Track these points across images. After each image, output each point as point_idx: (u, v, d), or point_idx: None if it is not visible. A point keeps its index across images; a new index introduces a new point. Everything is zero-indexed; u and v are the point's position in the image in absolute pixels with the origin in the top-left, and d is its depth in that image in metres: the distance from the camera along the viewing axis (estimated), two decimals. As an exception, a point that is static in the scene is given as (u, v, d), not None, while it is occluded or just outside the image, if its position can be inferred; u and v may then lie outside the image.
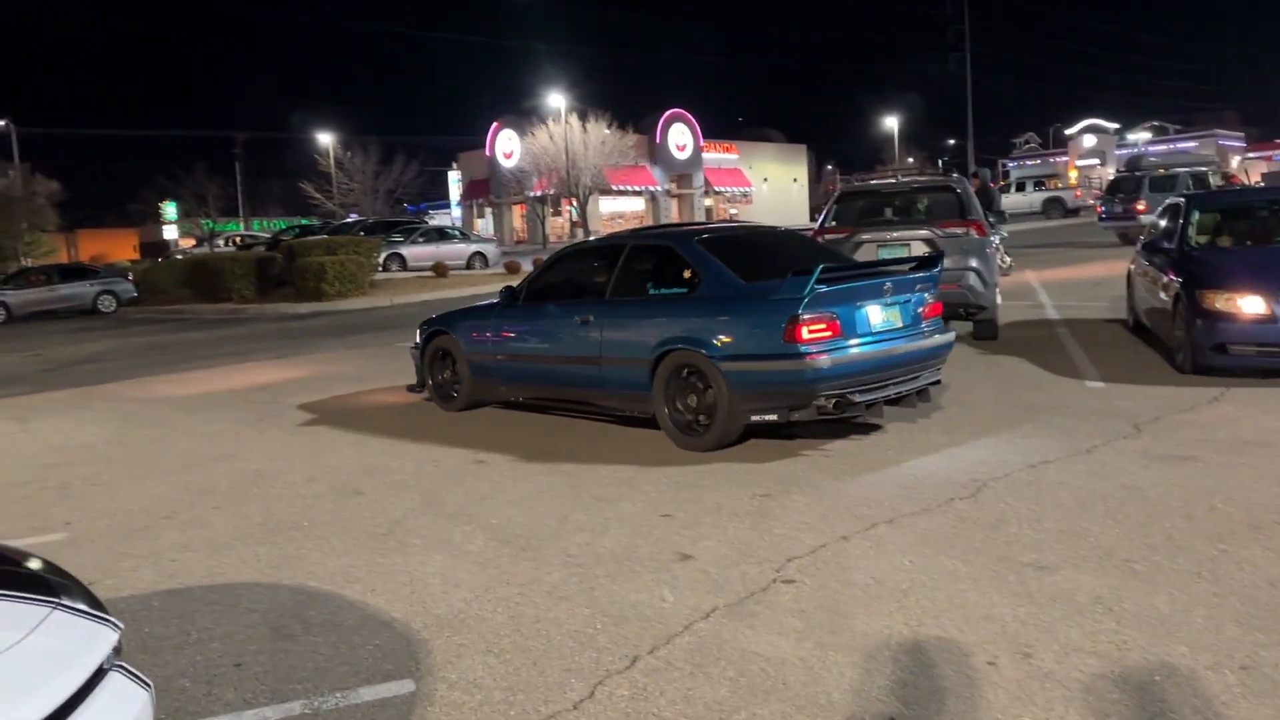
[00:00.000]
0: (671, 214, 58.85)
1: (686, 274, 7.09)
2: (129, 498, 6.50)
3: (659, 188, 58.42)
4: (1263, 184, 33.56)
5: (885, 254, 10.46)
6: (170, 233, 66.96)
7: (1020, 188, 48.53)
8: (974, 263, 10.18)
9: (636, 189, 57.22)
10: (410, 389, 9.54)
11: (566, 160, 47.04)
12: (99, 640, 2.28)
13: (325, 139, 59.22)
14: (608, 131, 49.44)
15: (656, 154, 57.91)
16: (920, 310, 6.92)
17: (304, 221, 53.52)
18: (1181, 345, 8.20)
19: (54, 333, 23.54)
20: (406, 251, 31.20)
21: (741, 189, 62.90)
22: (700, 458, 6.51)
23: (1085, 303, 13.52)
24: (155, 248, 63.57)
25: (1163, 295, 8.76)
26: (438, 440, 7.59)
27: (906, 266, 7.15)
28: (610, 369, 7.28)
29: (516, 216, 59.58)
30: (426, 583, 4.57)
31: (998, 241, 13.50)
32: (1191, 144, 57.08)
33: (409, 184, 58.69)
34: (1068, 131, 68.61)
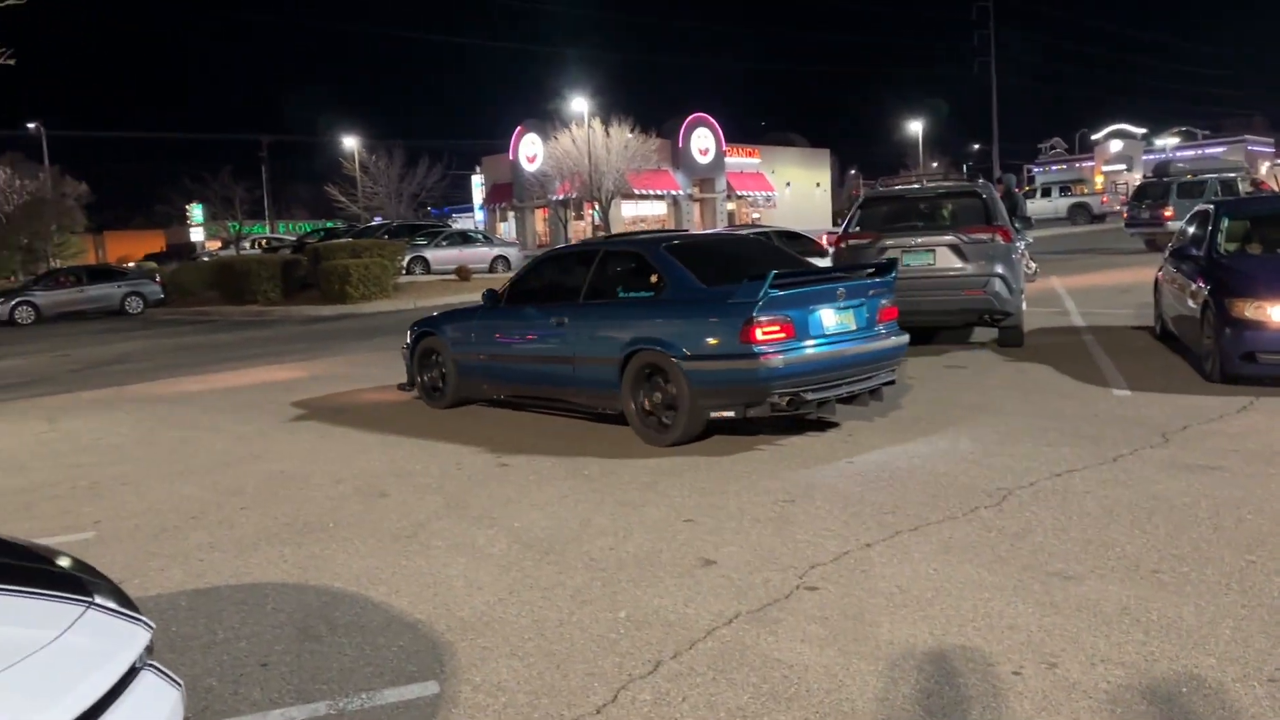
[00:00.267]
0: (694, 218, 58.84)
1: (653, 279, 7.45)
2: (157, 498, 6.57)
3: (681, 192, 58.40)
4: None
5: (909, 260, 10.44)
6: (197, 235, 67.64)
7: (1046, 193, 48.18)
8: (999, 269, 10.14)
9: (659, 193, 57.22)
10: (400, 387, 9.88)
11: (589, 164, 47.10)
12: (132, 639, 2.31)
13: (350, 142, 59.63)
14: (630, 136, 49.47)
15: (679, 158, 57.91)
16: (875, 314, 7.27)
17: (329, 224, 53.94)
18: (1210, 353, 8.12)
19: (82, 333, 23.82)
20: (430, 255, 31.36)
21: (764, 193, 62.77)
22: (722, 463, 6.51)
23: (1112, 310, 13.41)
24: (182, 250, 64.17)
25: (1191, 303, 8.68)
26: (463, 443, 7.63)
27: (864, 272, 7.56)
28: (583, 368, 7.69)
29: (539, 220, 59.74)
30: (450, 585, 4.59)
31: (1023, 247, 13.43)
32: (1220, 149, 56.49)
33: (433, 187, 58.98)
34: (1094, 136, 68.03)
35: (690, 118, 58.84)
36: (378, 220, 46.89)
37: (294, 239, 42.71)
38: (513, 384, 8.51)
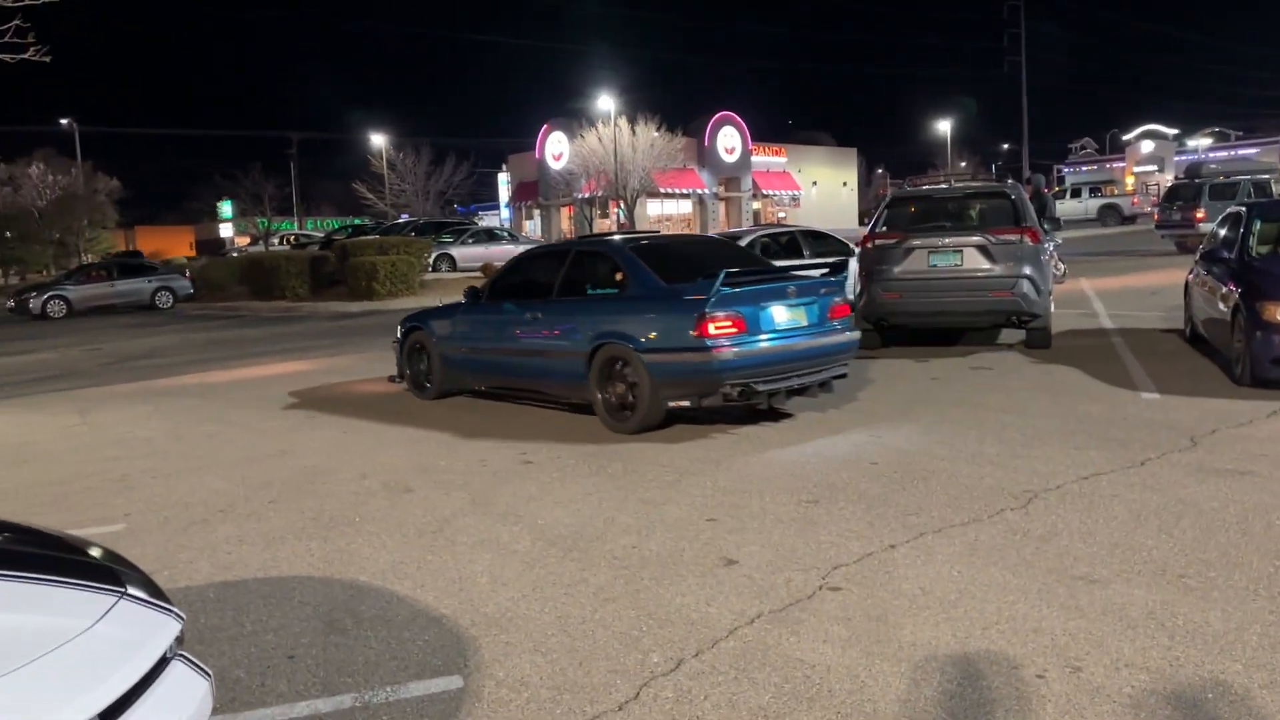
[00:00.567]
0: (719, 217, 58.75)
1: (618, 276, 7.94)
2: (186, 491, 6.66)
3: (707, 191, 58.32)
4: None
5: (937, 260, 10.39)
6: (226, 231, 68.30)
7: (1075, 194, 47.70)
8: (1028, 270, 10.08)
9: (684, 192, 57.17)
10: (391, 379, 10.50)
11: (615, 163, 47.16)
12: (163, 629, 2.35)
13: (378, 140, 60.01)
14: (656, 134, 49.46)
15: (705, 157, 57.83)
16: (826, 311, 7.72)
17: (357, 221, 54.29)
18: (1240, 357, 8.03)
19: (112, 327, 24.12)
20: (456, 252, 31.51)
21: (790, 192, 62.58)
22: (745, 463, 6.51)
23: (1141, 312, 13.28)
24: (211, 245, 64.85)
25: (1221, 306, 8.58)
26: (487, 439, 7.67)
27: (818, 272, 8.09)
28: (555, 360, 8.19)
29: (564, 218, 59.84)
30: (475, 580, 4.63)
31: (1052, 249, 13.33)
32: (1253, 151, 55.67)
33: (459, 185, 59.26)
34: (1125, 137, 67.28)
35: (716, 116, 58.74)
36: (405, 217, 47.20)
37: (322, 236, 43.05)
38: (493, 376, 9.08)
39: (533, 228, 59.65)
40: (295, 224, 64.27)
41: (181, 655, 2.43)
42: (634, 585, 4.45)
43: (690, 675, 3.54)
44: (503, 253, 32.39)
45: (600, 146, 48.93)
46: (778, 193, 62.28)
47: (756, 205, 61.05)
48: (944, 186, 11.89)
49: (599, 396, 7.79)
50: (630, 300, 7.69)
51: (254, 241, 57.06)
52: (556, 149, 57.01)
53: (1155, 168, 60.83)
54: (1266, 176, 25.26)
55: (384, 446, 7.71)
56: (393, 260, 24.89)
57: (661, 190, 53.03)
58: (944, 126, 69.14)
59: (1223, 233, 9.90)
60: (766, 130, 63.82)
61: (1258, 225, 9.02)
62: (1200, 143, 63.31)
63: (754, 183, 60.56)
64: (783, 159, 63.24)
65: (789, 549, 4.80)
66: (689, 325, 7.08)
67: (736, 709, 3.29)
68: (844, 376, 8.08)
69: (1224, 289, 8.55)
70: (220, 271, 32.54)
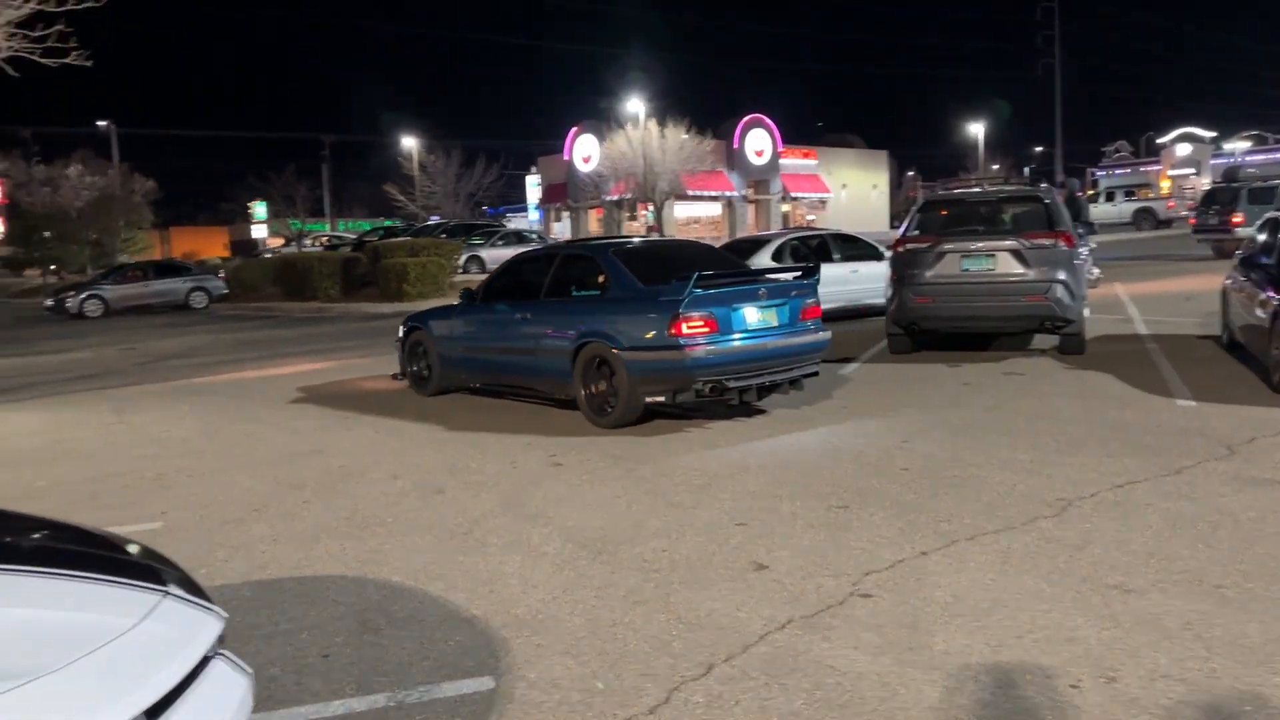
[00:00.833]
0: (748, 220, 58.63)
1: (601, 279, 8.38)
2: (222, 490, 6.74)
3: (736, 193, 58.22)
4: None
5: (969, 265, 10.32)
6: (259, 232, 69.00)
7: (1110, 198, 47.18)
8: (1061, 275, 9.99)
9: (713, 194, 57.10)
10: (393, 377, 10.91)
11: (644, 165, 47.17)
12: (205, 628, 2.39)
13: (409, 142, 60.41)
14: (686, 136, 49.42)
15: (734, 159, 57.74)
16: (798, 312, 8.10)
17: (388, 223, 54.71)
18: (1278, 364, 7.91)
19: (148, 327, 24.45)
20: (485, 254, 31.67)
21: (820, 195, 62.35)
22: (775, 469, 6.50)
23: (1177, 318, 13.11)
24: (245, 246, 65.54)
25: (1260, 312, 8.46)
26: (516, 442, 7.71)
27: (790, 275, 8.46)
28: (543, 359, 8.59)
29: (593, 221, 59.95)
30: (505, 582, 4.66)
31: (1086, 253, 13.21)
32: (1293, 154, 54.78)
33: (489, 187, 59.47)
34: (1161, 140, 66.38)
35: (746, 119, 58.63)
36: (435, 219, 47.48)
37: (354, 237, 43.40)
38: (486, 373, 9.55)
39: (561, 230, 59.81)
40: (327, 225, 64.88)
41: (222, 654, 2.46)
42: (664, 589, 4.46)
43: (721, 680, 3.55)
44: (532, 255, 32.58)
45: (629, 148, 48.95)
46: (807, 195, 62.04)
47: (786, 208, 60.85)
48: (977, 190, 11.81)
49: (582, 393, 8.18)
50: (611, 302, 8.15)
51: (287, 243, 57.62)
52: (586, 151, 57.12)
53: (1192, 171, 60.02)
54: (1306, 180, 24.84)
55: (414, 447, 7.77)
56: (423, 262, 25.06)
57: (690, 193, 52.98)
58: (976, 129, 68.58)
59: (1261, 238, 9.76)
60: (796, 132, 63.64)
61: (1298, 230, 8.88)
62: (1238, 146, 62.33)
63: (783, 185, 60.36)
64: (813, 161, 63.00)
65: (820, 555, 4.79)
66: (664, 325, 7.49)
67: (767, 715, 3.29)
68: (815, 375, 8.39)
69: (1263, 295, 8.43)
70: (254, 272, 32.90)
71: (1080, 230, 12.71)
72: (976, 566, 4.52)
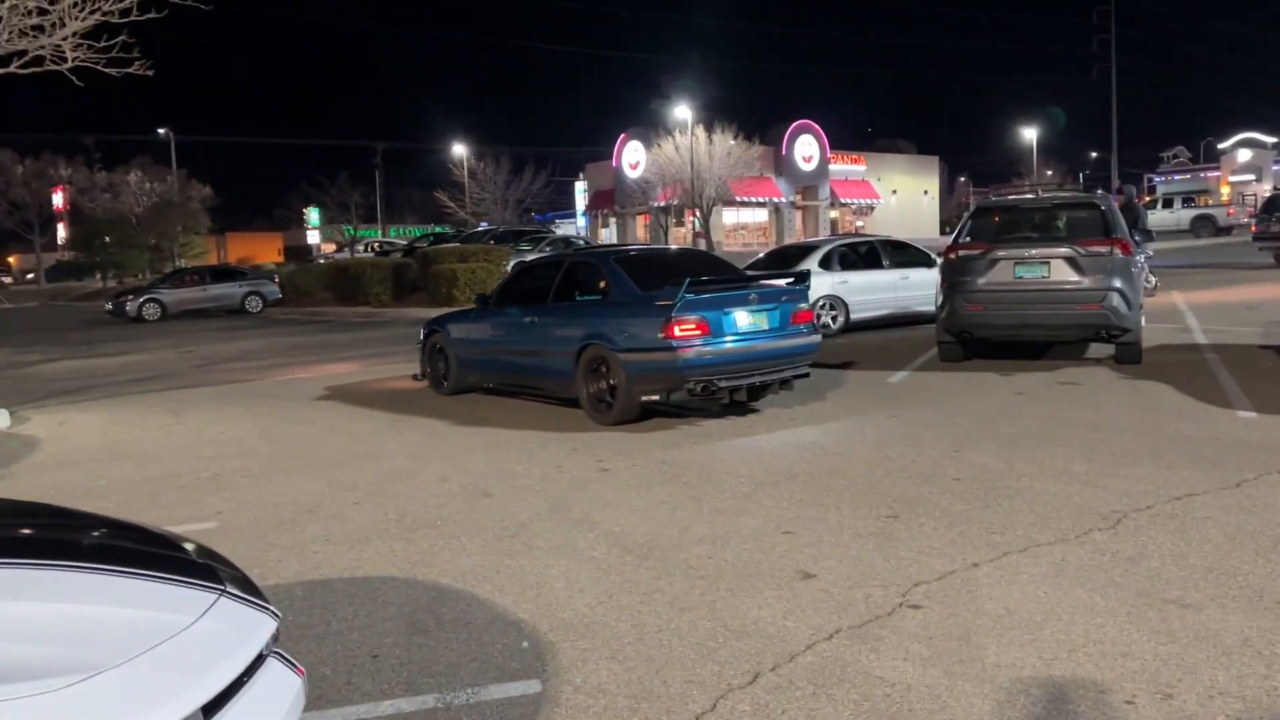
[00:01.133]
0: (796, 226, 58.34)
1: (602, 284, 8.87)
2: (276, 491, 6.86)
3: (783, 199, 58.01)
4: None
5: (1022, 272, 10.18)
6: (313, 237, 70.17)
7: (1168, 204, 46.23)
8: (1118, 283, 9.82)
9: (760, 201, 56.97)
10: (414, 378, 11.65)
11: (691, 171, 47.20)
12: (260, 627, 2.43)
13: (459, 150, 61.05)
14: (733, 142, 49.39)
15: (782, 165, 57.55)
16: (789, 316, 8.48)
17: (438, 229, 55.31)
18: (1346, 376, 7.69)
19: (204, 330, 24.95)
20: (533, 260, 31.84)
21: (868, 201, 61.90)
22: (823, 477, 6.46)
23: (1237, 327, 12.80)
24: (298, 251, 66.66)
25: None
26: (563, 447, 7.75)
27: (782, 281, 8.80)
28: (550, 360, 9.09)
29: (640, 227, 60.08)
30: (552, 586, 4.68)
31: (1143, 261, 12.96)
32: (1360, 159, 53.27)
33: (537, 194, 59.94)
34: (1221, 145, 64.94)
35: (794, 124, 58.43)
36: (484, 226, 47.90)
37: (405, 243, 43.95)
38: (498, 374, 10.11)
39: (608, 236, 60.02)
40: (379, 231, 65.77)
41: (276, 652, 2.50)
42: (710, 596, 4.45)
43: (767, 689, 3.53)
44: (579, 261, 32.68)
45: (677, 155, 49.02)
46: (856, 201, 61.60)
47: (834, 214, 60.48)
48: (1031, 196, 11.65)
49: (584, 392, 8.68)
50: (610, 306, 8.65)
51: (340, 248, 58.54)
52: (633, 158, 57.29)
53: (1253, 177, 58.61)
54: (1374, 187, 24.15)
55: (462, 451, 7.84)
56: (472, 267, 25.28)
57: (738, 199, 52.94)
58: (1030, 134, 67.62)
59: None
60: (845, 138, 63.33)
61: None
62: (1301, 151, 60.76)
63: (831, 191, 60.00)
64: (861, 167, 62.59)
65: (868, 564, 4.75)
66: (658, 328, 7.94)
67: (815, 724, 3.27)
68: (806, 376, 8.77)
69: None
70: (307, 278, 33.43)
71: (1137, 238, 12.48)
72: (1029, 579, 4.45)
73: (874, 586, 4.45)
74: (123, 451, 8.68)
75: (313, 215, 69.80)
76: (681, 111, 49.27)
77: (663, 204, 52.82)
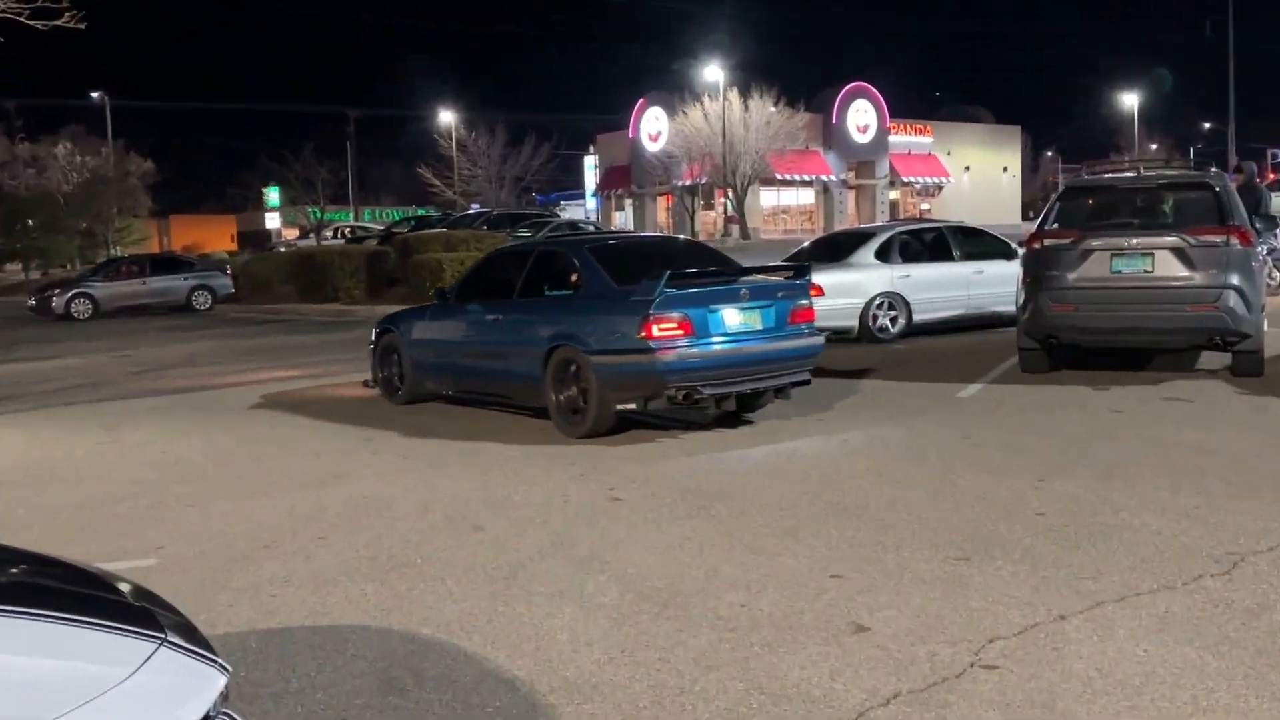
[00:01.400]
0: (848, 209, 58.32)
1: (574, 277, 9.07)
2: (227, 521, 6.91)
3: (833, 177, 58.03)
4: None
5: (1120, 266, 10.16)
6: (272, 221, 70.64)
7: (1296, 184, 45.96)
8: (1235, 279, 9.79)
9: (806, 178, 57.03)
10: (365, 384, 11.94)
11: (723, 144, 47.29)
12: (207, 683, 2.44)
13: (447, 118, 61.35)
14: (773, 110, 49.49)
15: (832, 136, 57.58)
16: (786, 315, 8.62)
17: (421, 212, 55.63)
18: None
19: (144, 330, 25.17)
20: (535, 249, 31.94)
21: (936, 179, 61.85)
22: (877, 510, 6.45)
23: (1381, 333, 12.70)
24: (255, 238, 67.14)
25: None
26: (568, 471, 7.77)
27: (775, 274, 9.01)
28: (515, 363, 9.28)
29: (661, 210, 60.23)
30: (554, 638, 4.69)
31: (1265, 253, 12.88)
32: None
33: (539, 171, 60.16)
34: (1362, 114, 64.49)
35: (847, 88, 58.45)
36: (475, 208, 48.17)
37: (381, 228, 44.22)
38: (457, 379, 10.36)
39: (623, 220, 60.22)
40: (351, 214, 66.17)
41: (225, 713, 2.51)
42: (742, 652, 4.45)
43: (811, 763, 3.53)
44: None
45: (706, 124, 49.16)
46: (921, 179, 61.55)
47: (894, 195, 60.45)
48: (1130, 175, 11.63)
49: (554, 400, 8.89)
50: (582, 301, 8.91)
51: (304, 234, 58.91)
52: (654, 128, 57.42)
53: (1401, 152, 58.15)
54: None
55: (449, 475, 7.87)
56: (461, 257, 25.36)
57: (778, 176, 53.02)
58: (1130, 101, 67.37)
59: None
60: (909, 105, 63.32)
61: None
62: None
63: (891, 167, 59.97)
64: (928, 139, 62.54)
65: (933, 616, 4.74)
66: (634, 327, 8.10)
67: (867, 807, 3.26)
68: (806, 383, 8.92)
69: None
70: (265, 268, 33.70)
71: (1259, 225, 12.42)
72: (1126, 634, 4.43)
73: (941, 642, 4.44)
74: (47, 474, 8.76)
75: (272, 195, 70.26)
76: (712, 72, 49.36)
77: (688, 183, 52.92)
